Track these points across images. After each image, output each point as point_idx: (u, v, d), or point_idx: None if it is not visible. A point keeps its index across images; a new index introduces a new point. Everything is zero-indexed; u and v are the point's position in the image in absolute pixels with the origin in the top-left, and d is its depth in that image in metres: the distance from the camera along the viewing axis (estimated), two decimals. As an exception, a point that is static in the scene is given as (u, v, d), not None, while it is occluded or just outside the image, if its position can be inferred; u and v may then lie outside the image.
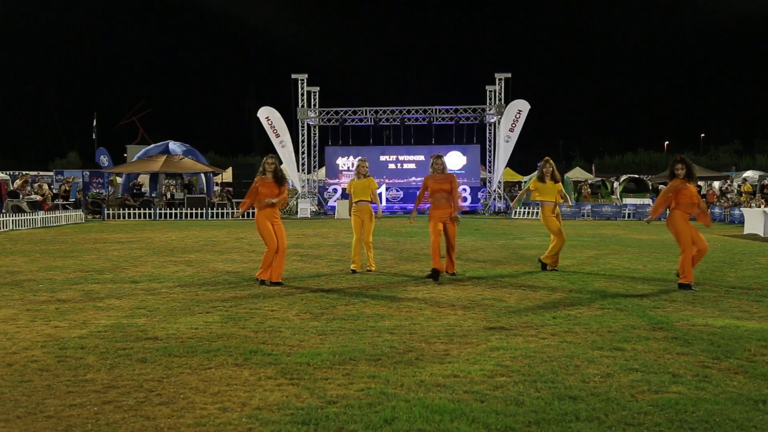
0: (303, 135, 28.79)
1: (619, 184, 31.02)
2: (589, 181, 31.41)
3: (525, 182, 32.43)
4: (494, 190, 27.78)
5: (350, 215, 9.03)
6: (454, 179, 8.30)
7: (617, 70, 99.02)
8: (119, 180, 29.22)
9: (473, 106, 28.40)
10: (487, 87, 28.49)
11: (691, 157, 52.36)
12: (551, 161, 9.28)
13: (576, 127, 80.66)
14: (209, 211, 24.17)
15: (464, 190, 28.79)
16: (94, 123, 45.41)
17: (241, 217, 8.09)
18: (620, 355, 4.44)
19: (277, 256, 7.65)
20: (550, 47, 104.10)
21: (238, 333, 5.12)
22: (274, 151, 28.04)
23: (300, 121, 28.59)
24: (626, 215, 24.27)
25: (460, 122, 28.71)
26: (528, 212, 24.87)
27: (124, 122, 52.86)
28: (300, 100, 28.33)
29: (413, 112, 28.68)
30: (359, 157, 10.05)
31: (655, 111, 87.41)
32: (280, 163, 7.77)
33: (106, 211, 24.03)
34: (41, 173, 39.99)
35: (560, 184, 9.26)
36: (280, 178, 7.84)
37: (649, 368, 4.10)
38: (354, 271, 8.74)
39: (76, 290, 7.32)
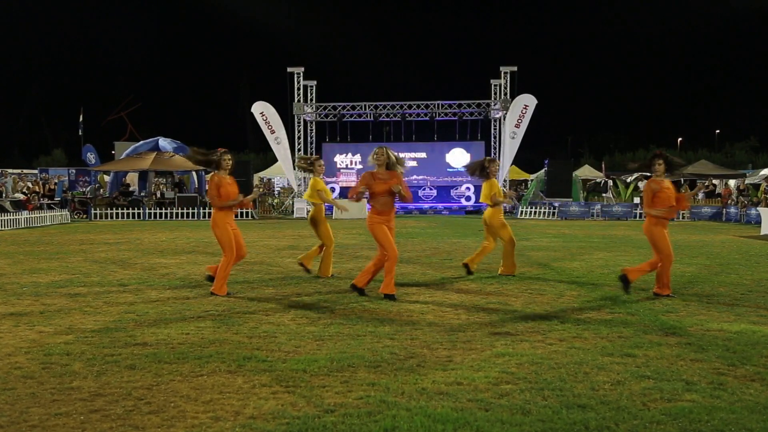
0: (299, 131, 28.80)
1: (630, 184, 31.04)
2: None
3: (531, 181, 32.44)
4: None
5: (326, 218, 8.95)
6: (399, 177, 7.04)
7: (628, 63, 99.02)
8: (107, 178, 29.25)
9: (477, 101, 28.42)
10: (491, 81, 28.51)
11: (706, 155, 52.34)
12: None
13: (585, 123, 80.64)
14: (201, 210, 24.18)
15: (468, 188, 28.84)
16: (81, 118, 45.42)
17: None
18: (631, 361, 4.44)
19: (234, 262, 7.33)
20: (558, 39, 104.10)
21: (232, 338, 5.12)
22: (269, 148, 28.13)
23: (296, 117, 28.60)
24: (637, 215, 24.28)
25: (464, 118, 28.73)
26: (534, 212, 24.88)
27: (111, 118, 52.86)
28: (296, 95, 28.34)
29: (414, 107, 28.70)
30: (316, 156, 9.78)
31: (667, 106, 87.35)
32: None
33: (93, 211, 24.04)
34: (25, 171, 39.98)
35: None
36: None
37: (662, 375, 4.11)
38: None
39: (62, 294, 7.32)
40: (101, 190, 28.30)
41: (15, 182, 29.77)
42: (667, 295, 6.98)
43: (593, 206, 25.41)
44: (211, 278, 7.51)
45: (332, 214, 24.01)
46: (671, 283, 7.15)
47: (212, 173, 7.40)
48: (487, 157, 9.29)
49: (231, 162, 7.27)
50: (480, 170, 8.81)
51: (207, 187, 7.29)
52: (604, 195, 29.83)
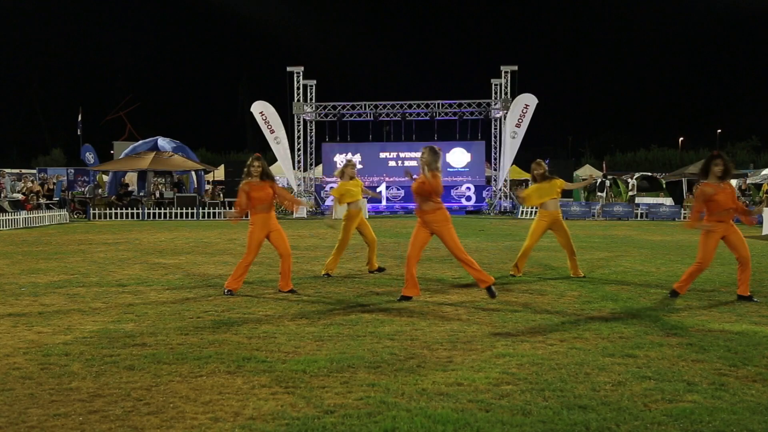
0: (299, 131, 28.79)
1: (631, 184, 31.00)
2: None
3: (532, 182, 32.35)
4: (500, 189, 27.78)
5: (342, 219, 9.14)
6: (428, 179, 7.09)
7: (629, 63, 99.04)
8: (106, 178, 29.24)
9: (478, 101, 28.41)
10: (492, 80, 28.49)
11: (707, 155, 52.32)
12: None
13: (586, 123, 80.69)
14: (200, 210, 24.18)
15: (468, 188, 28.83)
16: (80, 118, 45.41)
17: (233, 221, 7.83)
18: (632, 362, 4.44)
19: (281, 263, 7.46)
20: (559, 38, 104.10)
21: (231, 339, 5.13)
22: (268, 148, 28.13)
23: (295, 117, 28.59)
24: (638, 215, 24.29)
25: (464, 117, 28.71)
26: (535, 212, 24.86)
27: (110, 117, 52.90)
28: (295, 94, 28.33)
29: (415, 106, 28.69)
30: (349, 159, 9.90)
31: (669, 105, 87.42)
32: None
33: (91, 211, 24.04)
34: (24, 171, 40.00)
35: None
36: (267, 175, 7.40)
37: (663, 376, 4.11)
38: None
39: (60, 294, 7.32)
40: (100, 189, 28.31)
41: (24, 181, 29.80)
42: (672, 292, 7.01)
43: (594, 206, 25.40)
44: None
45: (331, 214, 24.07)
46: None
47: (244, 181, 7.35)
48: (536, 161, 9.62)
49: (259, 167, 7.28)
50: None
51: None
52: (599, 194, 29.83)
